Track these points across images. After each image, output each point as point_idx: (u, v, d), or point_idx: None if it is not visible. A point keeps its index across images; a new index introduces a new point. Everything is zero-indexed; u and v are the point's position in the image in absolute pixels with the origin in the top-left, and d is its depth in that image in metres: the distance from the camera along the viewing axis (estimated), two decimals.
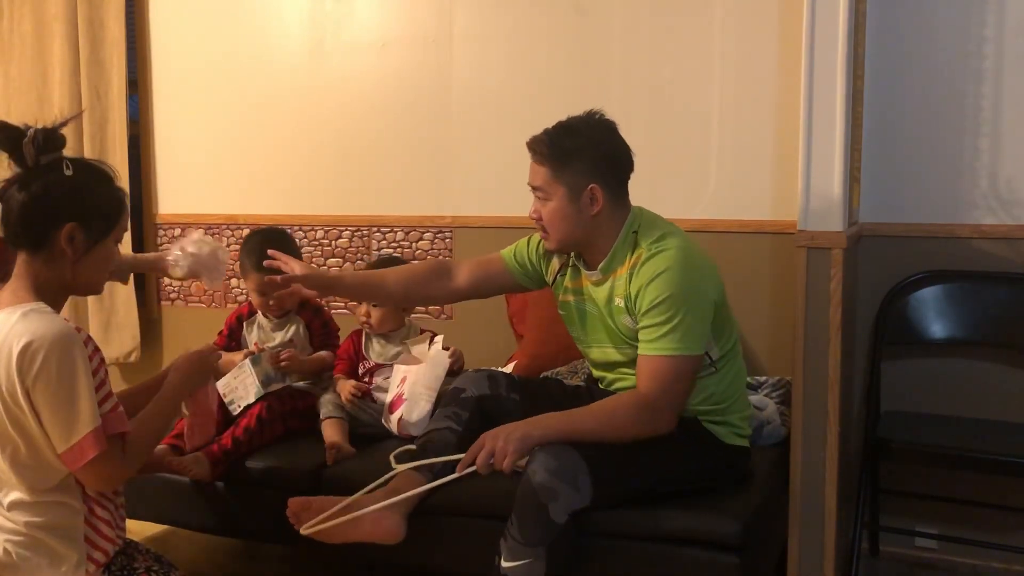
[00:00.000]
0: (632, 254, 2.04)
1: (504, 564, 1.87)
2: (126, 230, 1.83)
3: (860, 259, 2.53)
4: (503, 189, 3.01)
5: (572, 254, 2.17)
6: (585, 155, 2.03)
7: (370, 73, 3.25)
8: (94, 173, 1.74)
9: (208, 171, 3.56)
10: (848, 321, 2.26)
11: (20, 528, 1.66)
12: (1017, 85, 2.43)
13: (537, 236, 2.24)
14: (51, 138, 1.68)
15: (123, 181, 3.59)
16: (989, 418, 2.47)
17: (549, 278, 2.24)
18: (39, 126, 1.67)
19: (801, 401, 2.13)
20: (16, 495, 1.67)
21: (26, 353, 1.58)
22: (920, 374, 2.58)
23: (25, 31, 3.72)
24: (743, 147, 2.75)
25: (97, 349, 1.68)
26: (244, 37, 3.45)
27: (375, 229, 3.28)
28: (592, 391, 2.24)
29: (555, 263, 2.23)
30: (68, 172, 1.68)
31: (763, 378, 2.59)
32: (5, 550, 1.66)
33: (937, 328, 2.52)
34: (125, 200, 1.79)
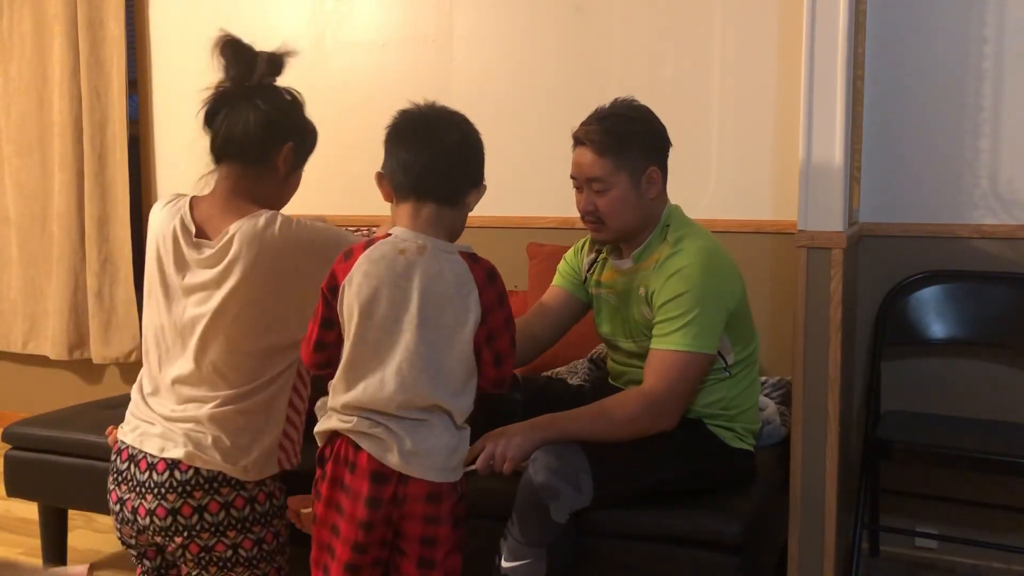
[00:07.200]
0: (659, 247, 2.05)
1: (504, 564, 1.86)
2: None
3: (860, 259, 2.53)
4: (502, 189, 2.99)
5: (605, 248, 2.18)
6: (642, 138, 2.04)
7: (370, 72, 3.24)
8: (301, 101, 1.87)
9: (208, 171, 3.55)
10: (848, 321, 2.26)
11: (229, 415, 1.73)
12: (1017, 85, 2.43)
13: (577, 246, 2.26)
14: (279, 63, 1.81)
15: (123, 181, 3.63)
16: (989, 418, 2.47)
17: (582, 276, 2.25)
18: (267, 50, 1.82)
19: (801, 401, 2.13)
20: (228, 392, 1.74)
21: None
22: (920, 374, 2.58)
23: (25, 31, 3.72)
24: (743, 147, 2.75)
25: None
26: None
27: (375, 229, 3.27)
28: (597, 390, 2.24)
29: (585, 261, 2.24)
30: (288, 97, 1.82)
31: (763, 378, 2.58)
32: (215, 438, 1.71)
33: (937, 328, 2.52)
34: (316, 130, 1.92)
